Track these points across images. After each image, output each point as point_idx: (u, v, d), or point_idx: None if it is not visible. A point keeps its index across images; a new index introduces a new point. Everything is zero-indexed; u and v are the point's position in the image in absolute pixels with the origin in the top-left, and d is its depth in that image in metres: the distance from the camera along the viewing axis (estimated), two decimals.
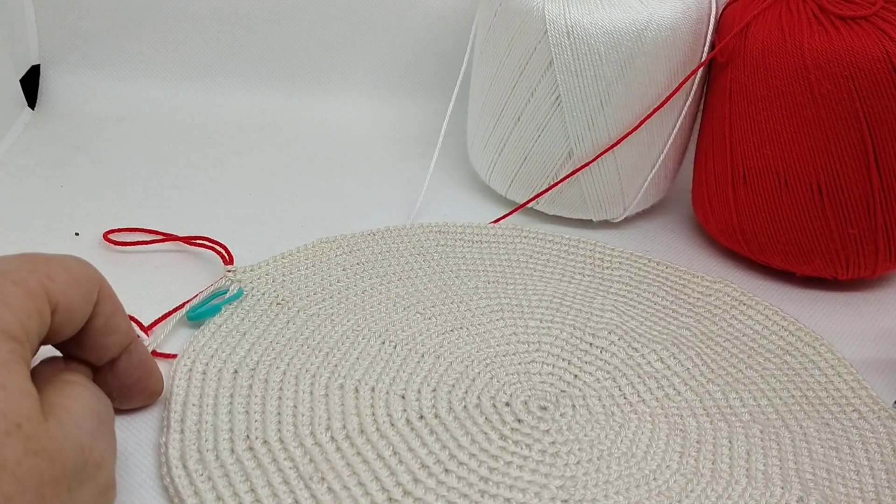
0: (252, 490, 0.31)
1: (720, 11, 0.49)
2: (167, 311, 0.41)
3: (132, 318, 0.40)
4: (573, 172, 0.50)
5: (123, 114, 0.61)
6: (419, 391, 0.37)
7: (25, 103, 0.61)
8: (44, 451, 0.23)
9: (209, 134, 0.61)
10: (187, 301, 0.41)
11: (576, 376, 0.39)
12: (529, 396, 0.37)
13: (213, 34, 0.62)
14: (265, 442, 0.33)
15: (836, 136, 0.43)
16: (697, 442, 0.36)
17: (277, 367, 0.37)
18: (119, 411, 0.35)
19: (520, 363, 0.40)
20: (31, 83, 0.61)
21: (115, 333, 0.31)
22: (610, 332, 0.42)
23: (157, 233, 0.47)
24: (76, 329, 0.29)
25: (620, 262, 0.48)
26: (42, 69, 0.62)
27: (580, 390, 0.38)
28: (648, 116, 0.48)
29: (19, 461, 0.22)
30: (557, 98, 0.48)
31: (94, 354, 0.31)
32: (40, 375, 0.29)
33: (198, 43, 0.63)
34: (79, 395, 0.27)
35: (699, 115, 0.52)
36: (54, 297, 0.27)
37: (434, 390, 0.37)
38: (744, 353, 0.42)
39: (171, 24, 0.62)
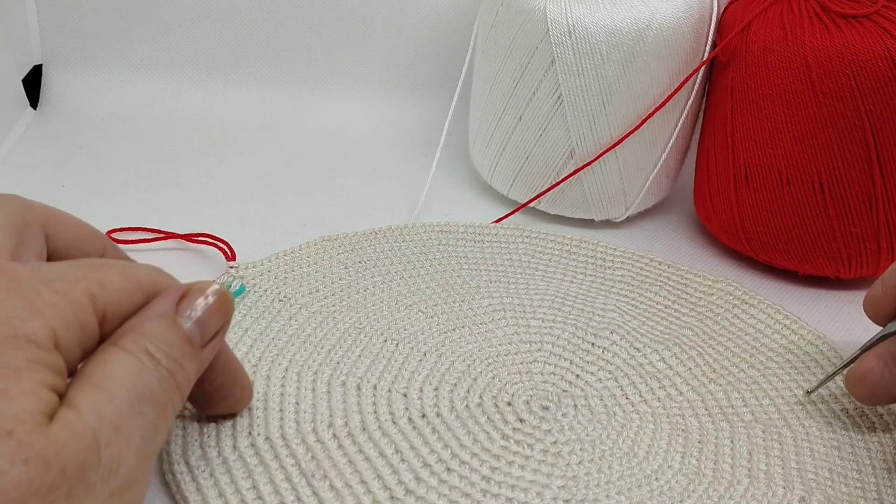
0: (254, 487, 0.31)
1: (722, 10, 0.49)
2: None
3: None
4: (575, 172, 0.50)
5: (125, 113, 0.61)
6: (421, 390, 0.37)
7: (27, 103, 0.61)
8: (38, 457, 0.21)
9: (211, 133, 0.61)
10: None
11: (578, 376, 0.39)
12: (531, 396, 0.37)
13: (216, 34, 0.62)
14: (267, 438, 0.33)
15: (838, 134, 0.43)
16: (699, 442, 0.36)
17: (279, 364, 0.37)
18: None
19: (522, 362, 0.40)
20: (33, 83, 0.61)
21: None
22: (612, 332, 0.42)
23: (158, 231, 0.47)
24: None
25: (622, 262, 0.48)
26: (44, 69, 0.62)
27: (582, 390, 0.38)
28: (650, 115, 0.48)
29: (4, 471, 0.21)
30: (559, 97, 0.48)
31: None
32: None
33: (200, 43, 0.63)
34: (119, 370, 0.24)
35: (701, 114, 0.52)
36: (101, 305, 0.25)
37: (436, 389, 0.37)
38: (746, 353, 0.42)
39: (173, 25, 0.62)
